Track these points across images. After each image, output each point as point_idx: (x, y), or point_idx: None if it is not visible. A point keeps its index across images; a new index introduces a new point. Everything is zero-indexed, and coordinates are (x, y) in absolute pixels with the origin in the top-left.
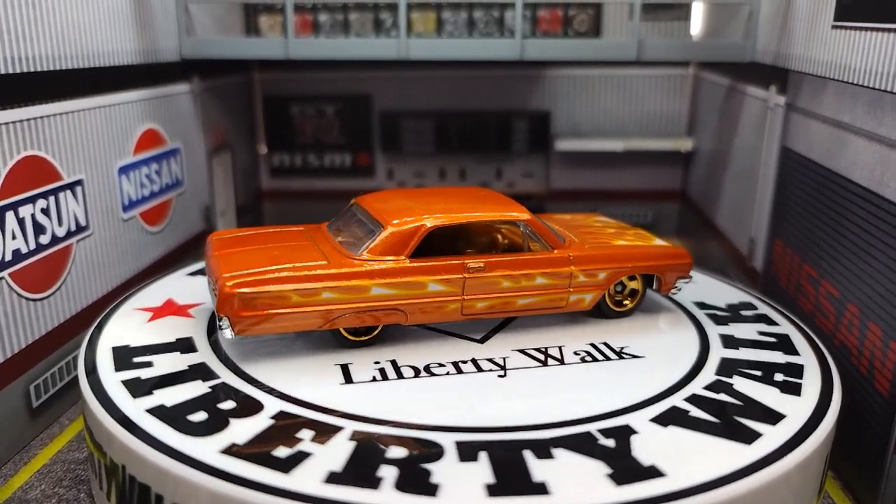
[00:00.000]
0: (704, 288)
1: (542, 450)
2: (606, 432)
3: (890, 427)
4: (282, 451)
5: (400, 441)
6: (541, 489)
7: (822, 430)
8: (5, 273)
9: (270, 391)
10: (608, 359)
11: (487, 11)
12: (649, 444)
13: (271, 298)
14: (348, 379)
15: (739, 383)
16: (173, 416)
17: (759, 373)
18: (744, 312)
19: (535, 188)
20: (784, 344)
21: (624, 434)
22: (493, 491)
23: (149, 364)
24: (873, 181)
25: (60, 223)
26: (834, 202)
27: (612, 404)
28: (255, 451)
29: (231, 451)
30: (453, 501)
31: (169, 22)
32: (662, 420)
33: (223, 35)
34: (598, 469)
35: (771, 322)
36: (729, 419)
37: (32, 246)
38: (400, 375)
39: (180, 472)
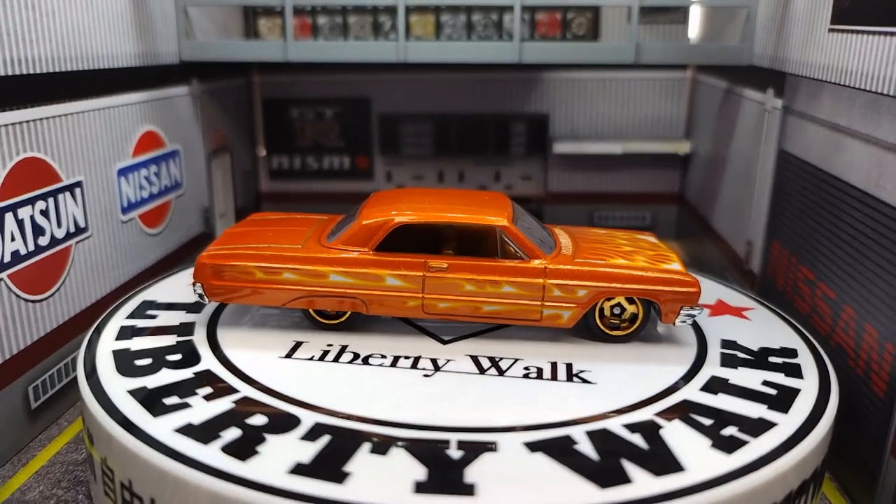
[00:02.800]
0: (755, 326)
1: (383, 446)
2: (464, 444)
3: (886, 428)
4: (171, 400)
5: (269, 411)
6: (339, 477)
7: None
8: (4, 274)
9: (216, 351)
10: (554, 379)
11: (486, 14)
12: (496, 465)
13: (238, 272)
14: (290, 354)
15: (673, 428)
16: (125, 358)
17: (709, 422)
18: (773, 359)
19: (533, 191)
20: (781, 399)
21: (478, 449)
22: (296, 469)
23: (154, 316)
24: (870, 184)
25: (59, 225)
26: (831, 204)
27: (492, 420)
28: (152, 395)
29: (136, 391)
30: (251, 469)
31: (168, 25)
32: (535, 446)
33: (222, 38)
34: (413, 474)
35: (794, 374)
36: (611, 461)
37: (31, 247)
38: (337, 360)
39: (87, 397)
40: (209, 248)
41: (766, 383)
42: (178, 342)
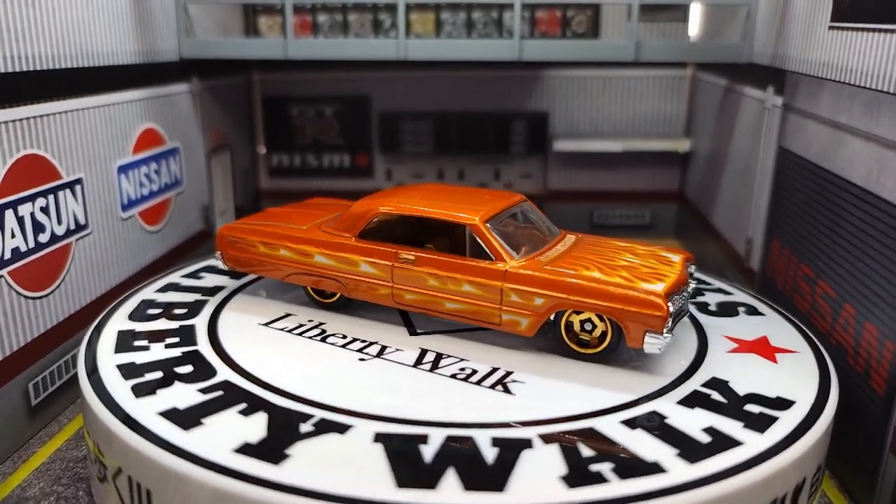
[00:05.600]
0: (772, 371)
1: (254, 409)
2: (321, 423)
3: (886, 426)
4: (139, 343)
5: (200, 364)
6: (188, 425)
7: None
8: (4, 271)
9: (214, 311)
10: (478, 384)
11: (486, 12)
12: (328, 445)
13: (246, 244)
14: (270, 323)
15: (542, 452)
16: (141, 309)
17: (590, 454)
18: (750, 407)
19: (532, 189)
20: (702, 449)
21: (328, 429)
22: (166, 413)
23: (201, 278)
24: (870, 181)
25: (60, 222)
26: (830, 202)
27: (364, 406)
28: (128, 335)
29: (123, 331)
30: (133, 406)
31: (168, 22)
32: (382, 437)
33: (222, 35)
34: (250, 437)
35: (756, 427)
36: (438, 466)
37: (32, 244)
38: (302, 334)
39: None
40: (236, 221)
41: (707, 430)
42: (195, 300)
